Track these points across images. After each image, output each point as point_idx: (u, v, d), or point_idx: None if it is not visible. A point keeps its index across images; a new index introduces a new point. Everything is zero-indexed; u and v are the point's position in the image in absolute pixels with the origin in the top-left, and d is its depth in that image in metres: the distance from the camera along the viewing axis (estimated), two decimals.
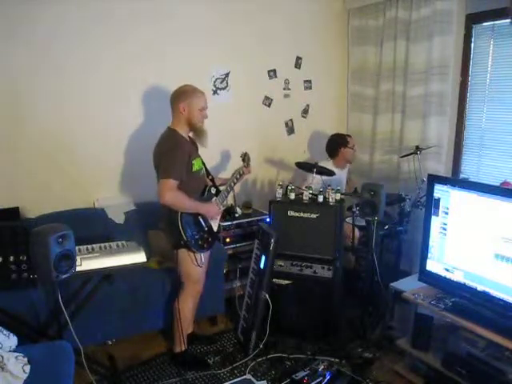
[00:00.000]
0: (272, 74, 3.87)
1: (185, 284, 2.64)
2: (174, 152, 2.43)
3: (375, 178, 3.93)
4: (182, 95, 2.50)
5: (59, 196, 3.05)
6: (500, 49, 3.16)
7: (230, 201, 3.63)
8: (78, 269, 2.13)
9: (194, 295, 2.68)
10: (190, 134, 2.60)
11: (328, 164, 3.48)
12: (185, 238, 2.45)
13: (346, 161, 3.59)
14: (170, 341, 2.83)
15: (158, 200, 2.38)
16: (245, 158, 2.89)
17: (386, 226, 3.28)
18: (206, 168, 2.73)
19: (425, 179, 2.91)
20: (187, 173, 2.47)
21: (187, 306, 2.66)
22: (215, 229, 2.70)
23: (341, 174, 3.56)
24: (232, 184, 2.80)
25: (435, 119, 3.49)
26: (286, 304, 2.94)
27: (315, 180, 3.15)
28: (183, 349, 2.72)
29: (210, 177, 2.76)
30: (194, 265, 2.57)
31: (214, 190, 2.68)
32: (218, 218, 2.75)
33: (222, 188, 2.75)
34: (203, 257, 2.61)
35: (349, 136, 3.60)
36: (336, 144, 3.54)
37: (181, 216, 2.44)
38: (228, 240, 3.35)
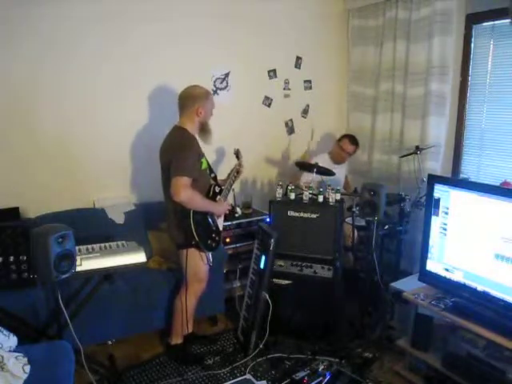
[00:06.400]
0: (272, 74, 3.87)
1: (190, 283, 2.64)
2: (186, 150, 2.44)
3: (375, 178, 3.93)
4: (198, 97, 2.51)
5: (59, 196, 3.06)
6: (500, 49, 3.16)
7: (230, 201, 3.63)
8: (78, 269, 2.13)
9: (198, 293, 2.70)
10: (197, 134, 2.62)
11: (325, 158, 3.58)
12: (196, 237, 2.46)
13: (335, 158, 3.64)
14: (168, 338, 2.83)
15: (159, 200, 2.37)
16: (238, 154, 2.92)
17: (386, 226, 3.28)
18: (209, 167, 2.75)
19: (425, 179, 2.91)
20: (197, 171, 2.49)
21: (190, 303, 2.69)
22: (221, 228, 2.72)
23: (338, 171, 3.56)
24: (231, 182, 2.82)
25: (434, 119, 3.48)
26: (286, 304, 2.94)
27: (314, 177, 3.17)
28: (179, 342, 2.75)
29: (213, 175, 2.77)
30: (204, 264, 2.60)
31: (217, 189, 2.70)
32: (223, 216, 2.78)
33: (223, 187, 2.76)
34: (210, 256, 2.64)
35: (348, 140, 3.61)
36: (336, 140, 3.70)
37: (193, 215, 2.45)
38: (228, 240, 3.35)
